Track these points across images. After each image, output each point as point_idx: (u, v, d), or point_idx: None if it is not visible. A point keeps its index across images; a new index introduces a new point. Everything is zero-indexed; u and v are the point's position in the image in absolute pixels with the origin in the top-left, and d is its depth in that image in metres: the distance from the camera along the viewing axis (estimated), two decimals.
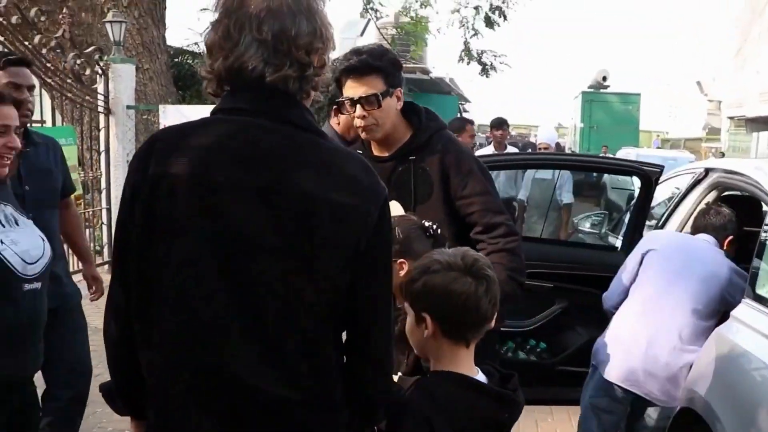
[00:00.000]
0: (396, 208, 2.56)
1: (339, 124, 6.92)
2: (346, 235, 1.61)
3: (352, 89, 2.72)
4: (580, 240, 6.47)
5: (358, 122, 2.76)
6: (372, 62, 2.69)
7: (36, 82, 4.58)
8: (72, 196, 4.27)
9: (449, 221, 2.76)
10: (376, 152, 2.91)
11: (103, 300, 6.13)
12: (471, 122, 7.95)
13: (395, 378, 2.07)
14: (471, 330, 1.95)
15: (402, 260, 2.34)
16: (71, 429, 3.89)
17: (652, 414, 3.89)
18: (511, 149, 9.24)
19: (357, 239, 1.62)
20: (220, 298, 1.60)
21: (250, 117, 1.66)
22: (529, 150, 12.42)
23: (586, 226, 6.45)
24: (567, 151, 21.89)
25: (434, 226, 2.46)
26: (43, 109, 8.89)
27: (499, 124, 9.04)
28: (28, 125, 4.12)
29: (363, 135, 2.84)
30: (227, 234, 1.60)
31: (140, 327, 1.69)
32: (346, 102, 2.75)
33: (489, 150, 9.32)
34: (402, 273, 2.31)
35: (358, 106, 2.72)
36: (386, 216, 1.72)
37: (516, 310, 3.93)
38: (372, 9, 17.00)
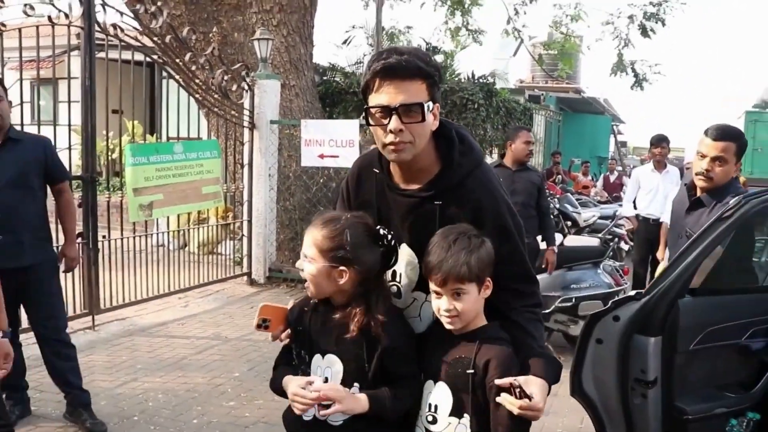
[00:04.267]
0: (406, 254, 2.35)
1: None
2: None
3: (389, 95, 2.14)
4: None
5: (389, 138, 2.17)
6: (419, 64, 2.15)
7: (3, 94, 4.58)
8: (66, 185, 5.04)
9: None
10: (397, 179, 2.37)
11: (239, 312, 6.31)
12: (527, 129, 7.40)
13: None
14: None
15: (343, 268, 2.24)
16: None
17: None
18: (671, 169, 8.77)
19: None
20: None
21: None
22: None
23: None
24: None
25: (389, 236, 2.28)
26: (200, 126, 9.30)
27: (658, 141, 8.74)
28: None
29: (391, 156, 2.23)
30: None
31: None
32: (375, 111, 2.18)
33: (648, 168, 8.98)
34: (342, 281, 2.24)
35: (395, 116, 2.14)
36: None
37: (732, 380, 3.23)
38: (514, 29, 16.59)
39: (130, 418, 4.99)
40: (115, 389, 5.52)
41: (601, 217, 11.23)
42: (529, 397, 2.07)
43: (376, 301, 2.27)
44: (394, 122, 2.14)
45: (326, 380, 2.27)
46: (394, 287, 2.41)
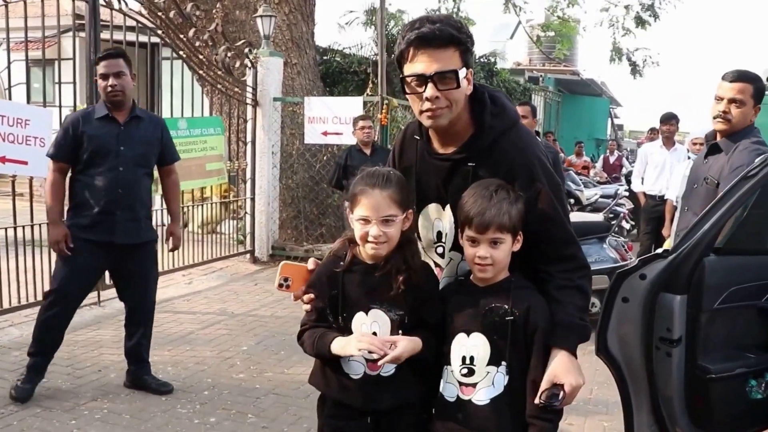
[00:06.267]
0: (449, 216, 2.41)
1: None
2: None
3: (424, 64, 2.19)
4: None
5: (426, 105, 2.23)
6: (452, 32, 2.19)
7: (126, 69, 4.69)
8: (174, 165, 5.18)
9: None
10: (435, 145, 2.43)
11: (243, 289, 6.33)
12: (522, 102, 7.38)
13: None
14: None
15: (410, 210, 2.37)
16: None
17: None
18: (679, 146, 8.83)
19: None
20: None
21: None
22: None
23: None
24: None
25: None
26: (203, 103, 9.26)
27: (667, 118, 8.79)
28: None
29: (428, 122, 2.30)
30: None
31: None
32: (411, 80, 2.24)
33: (657, 144, 9.06)
34: (406, 227, 2.35)
35: (430, 84, 2.19)
36: None
37: (751, 341, 3.20)
38: (514, 5, 16.46)
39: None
40: (124, 362, 5.50)
41: (602, 196, 11.26)
42: (563, 387, 2.16)
43: (411, 254, 2.35)
44: (429, 90, 2.20)
45: (375, 335, 2.32)
46: (440, 248, 2.48)
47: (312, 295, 2.42)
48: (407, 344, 2.26)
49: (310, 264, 2.49)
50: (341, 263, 2.39)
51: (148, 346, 5.10)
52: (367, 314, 2.35)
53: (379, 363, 2.29)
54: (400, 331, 2.33)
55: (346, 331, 2.35)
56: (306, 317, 2.45)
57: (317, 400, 2.54)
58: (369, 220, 2.28)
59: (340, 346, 2.31)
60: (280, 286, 2.44)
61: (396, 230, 2.30)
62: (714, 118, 3.92)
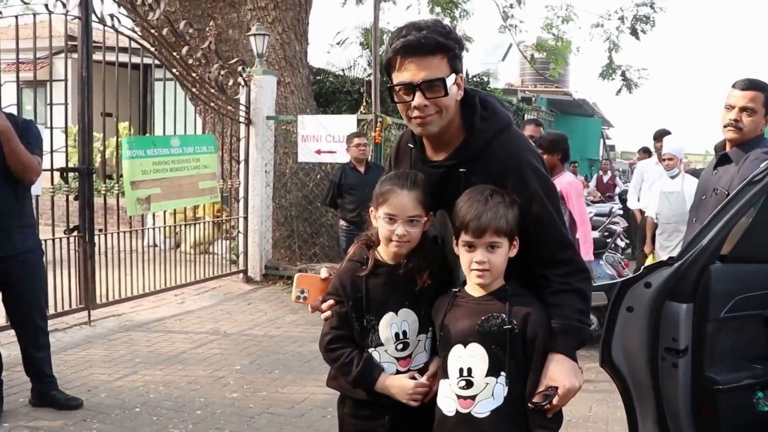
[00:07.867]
0: (449, 222, 2.39)
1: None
2: None
3: (411, 72, 2.17)
4: None
5: (415, 113, 2.21)
6: (439, 39, 2.15)
7: None
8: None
9: None
10: (429, 152, 2.41)
11: (236, 309, 6.22)
12: (535, 122, 7.39)
13: None
14: None
15: (431, 213, 2.39)
16: None
17: None
18: None
19: None
20: None
21: None
22: None
23: None
24: None
25: None
26: (195, 123, 9.21)
27: (661, 135, 8.80)
28: None
29: (417, 129, 2.29)
30: None
31: None
32: (399, 89, 2.21)
33: (652, 161, 9.09)
34: (427, 227, 2.40)
35: (418, 93, 2.17)
36: None
37: (757, 352, 3.14)
38: (511, 26, 16.50)
39: (132, 409, 4.89)
40: (115, 382, 5.43)
41: (597, 215, 11.21)
42: (555, 389, 2.13)
43: (430, 249, 2.40)
44: (417, 98, 2.18)
45: (404, 333, 2.37)
46: None
47: (332, 302, 2.41)
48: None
49: (323, 273, 2.50)
50: (363, 267, 2.40)
51: (48, 360, 4.93)
52: (396, 314, 2.37)
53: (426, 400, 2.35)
54: (430, 328, 2.38)
55: (372, 332, 2.38)
56: (327, 326, 2.44)
57: (337, 401, 2.57)
58: (395, 219, 2.30)
59: (384, 386, 2.36)
60: (297, 298, 2.47)
61: (418, 231, 2.34)
62: (725, 126, 3.84)
